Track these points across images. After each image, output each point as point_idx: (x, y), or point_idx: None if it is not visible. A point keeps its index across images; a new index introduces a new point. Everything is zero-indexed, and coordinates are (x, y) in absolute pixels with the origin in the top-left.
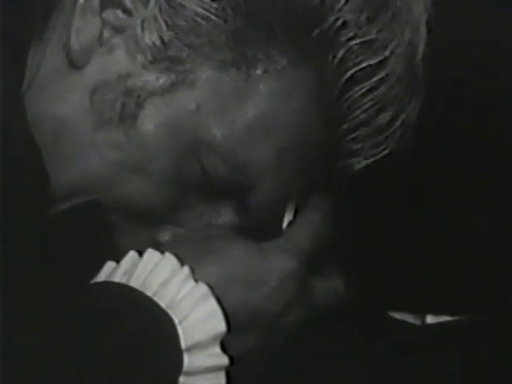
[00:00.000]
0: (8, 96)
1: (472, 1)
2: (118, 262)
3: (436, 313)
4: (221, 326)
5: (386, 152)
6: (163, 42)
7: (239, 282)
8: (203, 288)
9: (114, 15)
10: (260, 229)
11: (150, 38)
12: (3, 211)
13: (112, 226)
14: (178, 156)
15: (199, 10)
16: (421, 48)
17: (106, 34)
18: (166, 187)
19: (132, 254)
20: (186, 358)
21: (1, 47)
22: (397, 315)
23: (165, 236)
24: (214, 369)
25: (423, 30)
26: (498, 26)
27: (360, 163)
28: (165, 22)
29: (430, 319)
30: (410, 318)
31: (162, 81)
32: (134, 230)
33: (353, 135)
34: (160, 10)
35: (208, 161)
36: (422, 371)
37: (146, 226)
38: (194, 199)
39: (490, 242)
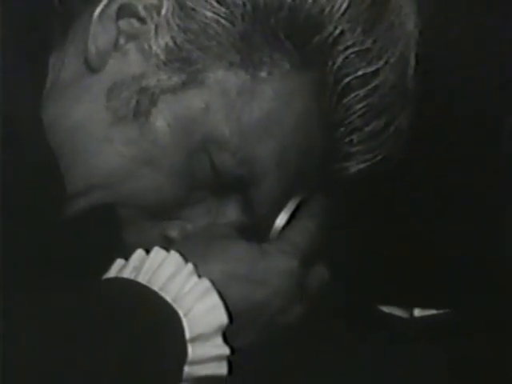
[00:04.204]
0: (28, 104)
1: (465, 6)
2: (126, 259)
3: (423, 306)
4: (223, 318)
5: (379, 157)
6: (176, 44)
7: (241, 280)
8: (206, 283)
9: (129, 24)
10: (262, 227)
11: (164, 40)
12: (15, 210)
13: (122, 222)
14: (188, 151)
15: (209, 13)
16: (412, 60)
17: (121, 41)
18: (177, 182)
19: (140, 252)
20: (190, 349)
21: (20, 55)
22: (385, 309)
23: (173, 231)
24: (216, 358)
25: (414, 43)
26: (487, 30)
27: (355, 167)
28: (177, 25)
29: (418, 312)
30: (398, 312)
31: (174, 80)
32: (143, 226)
33: (349, 139)
34: (172, 14)
35: (217, 156)
36: (409, 363)
37: (155, 221)
38: (202, 195)
39: (475, 237)
